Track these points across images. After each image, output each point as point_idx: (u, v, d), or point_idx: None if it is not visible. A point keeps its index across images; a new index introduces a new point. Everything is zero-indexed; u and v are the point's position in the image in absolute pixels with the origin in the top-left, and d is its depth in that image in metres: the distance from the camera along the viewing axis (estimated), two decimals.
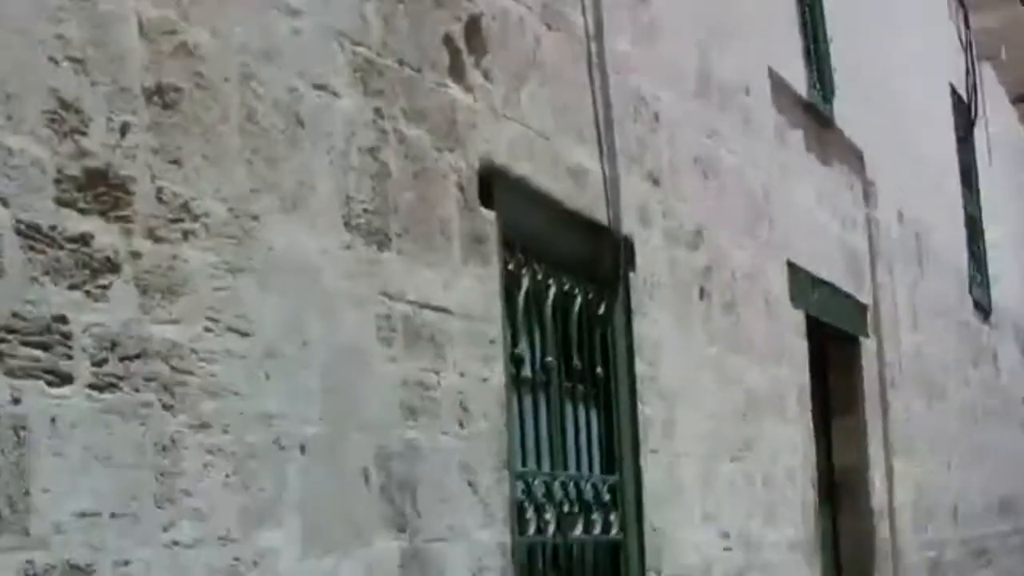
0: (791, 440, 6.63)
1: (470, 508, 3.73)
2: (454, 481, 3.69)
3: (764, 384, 6.33)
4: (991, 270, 13.10)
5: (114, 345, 2.57)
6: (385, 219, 3.54)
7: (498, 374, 3.98)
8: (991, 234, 13.22)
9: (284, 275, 3.13)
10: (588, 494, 4.56)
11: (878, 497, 8.20)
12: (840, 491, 8.09)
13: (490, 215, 4.04)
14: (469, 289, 3.88)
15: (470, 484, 3.75)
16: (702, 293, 5.70)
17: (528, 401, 4.34)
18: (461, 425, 3.75)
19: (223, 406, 2.87)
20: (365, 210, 3.45)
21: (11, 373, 2.33)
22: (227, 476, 2.86)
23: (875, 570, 8.08)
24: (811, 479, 6.91)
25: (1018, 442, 14.10)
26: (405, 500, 3.46)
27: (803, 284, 7.11)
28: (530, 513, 4.16)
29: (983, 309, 12.49)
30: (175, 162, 2.80)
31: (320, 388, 3.19)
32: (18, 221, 2.38)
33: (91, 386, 2.51)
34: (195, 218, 2.84)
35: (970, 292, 11.94)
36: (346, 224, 3.38)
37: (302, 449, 3.10)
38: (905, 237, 9.57)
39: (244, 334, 2.97)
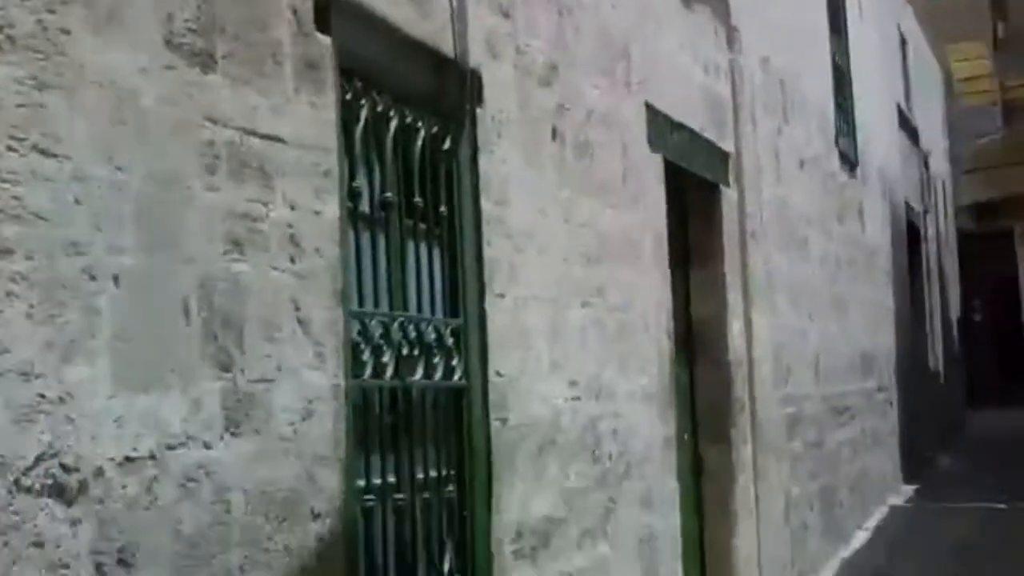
0: (646, 288, 6.68)
1: (300, 348, 3.69)
2: (284, 319, 3.64)
3: (619, 229, 6.34)
4: (859, 122, 13.27)
5: None
6: (211, 39, 3.43)
7: (333, 208, 3.91)
8: (859, 86, 13.37)
9: (97, 94, 3.02)
10: (429, 337, 4.54)
11: (736, 350, 8.33)
12: (697, 343, 8.20)
13: (325, 40, 3.94)
14: (302, 118, 3.80)
15: (301, 322, 3.70)
16: (555, 133, 5.66)
17: (366, 238, 4.28)
18: (292, 260, 3.69)
19: (27, 231, 2.78)
20: (189, 29, 3.34)
21: None
22: (31, 306, 2.77)
23: (731, 424, 8.24)
24: (666, 329, 6.98)
25: (882, 297, 14.44)
26: (229, 337, 3.40)
27: (662, 128, 7.12)
28: (366, 355, 4.13)
29: (849, 161, 12.67)
30: None
31: (136, 216, 3.10)
32: None
33: None
34: None
35: (836, 144, 12.09)
36: (167, 43, 3.26)
37: (115, 280, 3.02)
38: (770, 85, 9.63)
39: (51, 155, 2.87)
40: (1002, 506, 13.52)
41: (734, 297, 8.38)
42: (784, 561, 8.96)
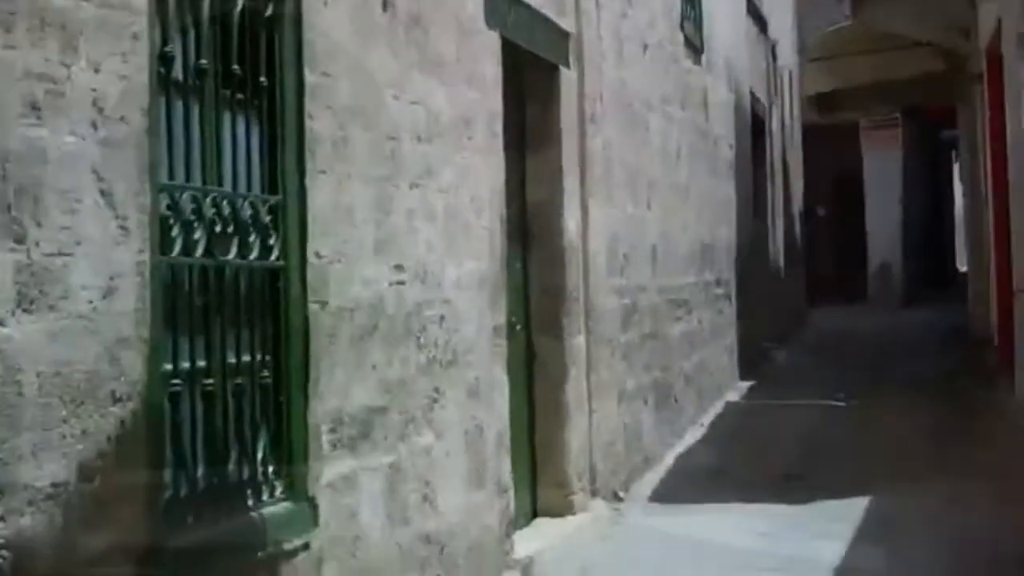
0: (479, 171, 6.64)
1: (102, 221, 3.58)
2: (84, 190, 3.53)
3: (451, 108, 6.28)
4: (705, 8, 13.30)
5: None
6: None
7: (141, 73, 3.79)
8: None
9: None
10: (245, 214, 4.44)
11: (571, 238, 8.35)
12: (532, 229, 8.20)
13: None
14: None
15: (103, 194, 3.59)
16: (385, 4, 5.55)
17: (178, 108, 4.16)
18: (95, 127, 3.58)
19: None
20: None
21: None
22: None
23: (564, 314, 8.28)
24: (499, 214, 6.96)
25: (724, 188, 14.59)
26: (24, 208, 3.29)
27: (499, 4, 7.04)
28: (176, 231, 4.02)
29: (694, 47, 12.71)
30: None
31: None
32: None
33: None
34: None
35: (681, 29, 12.10)
36: None
37: None
38: None
39: None
40: (839, 403, 13.87)
41: (571, 183, 8.38)
42: (617, 456, 9.07)
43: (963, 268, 31.26)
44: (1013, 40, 10.77)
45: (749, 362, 15.74)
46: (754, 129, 17.55)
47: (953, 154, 33.18)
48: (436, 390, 6.02)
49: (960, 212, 30.92)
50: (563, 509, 8.22)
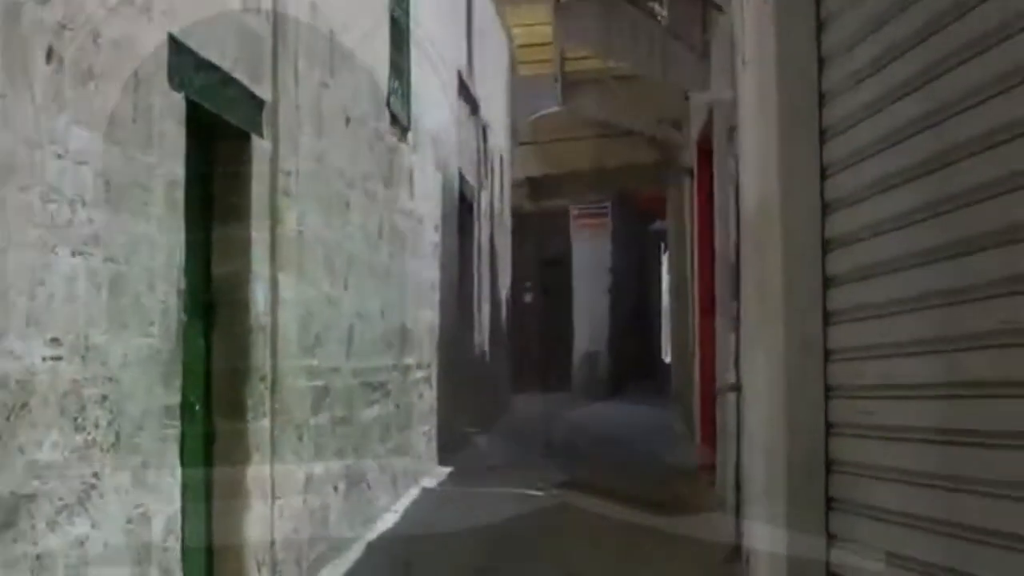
0: (154, 240, 6.27)
1: None
2: None
3: (125, 171, 5.92)
4: (415, 85, 13.19)
5: None
6: None
7: None
8: (418, 47, 13.29)
9: None
10: None
11: (259, 315, 8.03)
12: (216, 305, 7.85)
13: None
14: None
15: None
16: (51, 54, 5.19)
17: None
18: None
19: None
20: None
21: None
22: None
23: (248, 395, 7.93)
24: (176, 287, 6.60)
25: (428, 271, 14.45)
26: None
27: (186, 63, 6.72)
28: None
29: (400, 125, 12.56)
30: None
31: None
32: None
33: None
34: None
35: (388, 104, 11.94)
36: None
37: None
38: (317, 33, 9.35)
39: None
40: (538, 492, 13.77)
41: (260, 257, 8.07)
42: (300, 545, 8.73)
43: (669, 359, 31.90)
44: (723, 133, 10.92)
45: (449, 447, 15.57)
46: (462, 211, 17.51)
47: (662, 245, 33.95)
48: (95, 475, 5.61)
49: (667, 302, 31.58)
50: None
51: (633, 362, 30.49)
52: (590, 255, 27.00)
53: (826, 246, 4.75)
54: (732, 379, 9.20)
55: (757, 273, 6.06)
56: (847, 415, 4.53)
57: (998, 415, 3.49)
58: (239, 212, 7.89)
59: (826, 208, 4.78)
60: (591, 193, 25.05)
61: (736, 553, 9.18)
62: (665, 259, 34.15)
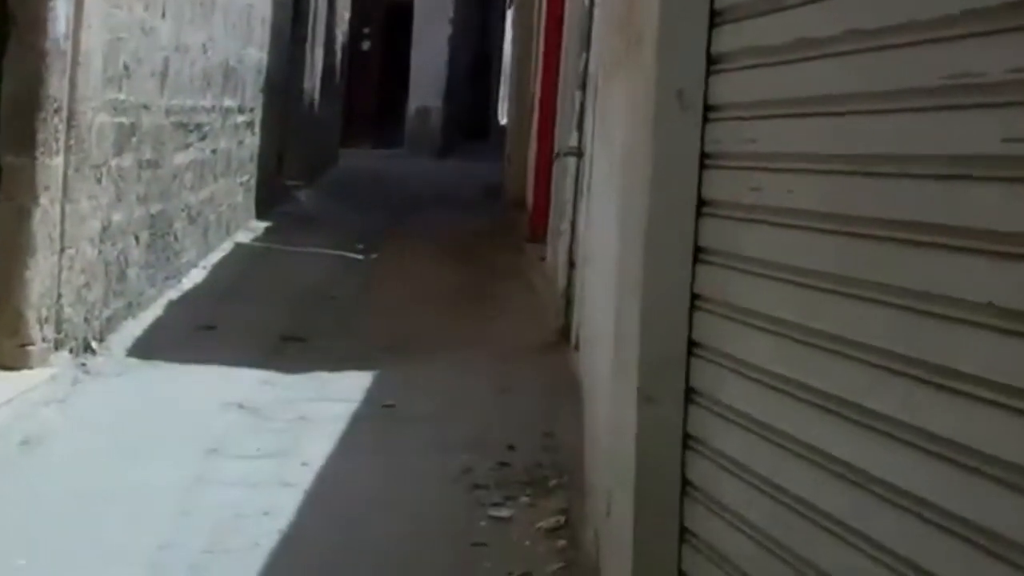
0: None
1: None
2: None
3: None
4: None
5: None
6: None
7: None
8: None
9: None
10: None
11: (58, 36, 7.11)
12: (10, 22, 6.94)
13: None
14: None
15: None
16: None
17: None
18: None
19: None
20: None
21: None
22: None
23: (39, 129, 7.06)
24: None
25: (259, 6, 13.47)
26: None
27: None
28: None
29: None
30: None
31: None
32: None
33: None
34: None
35: None
36: None
37: None
38: None
39: None
40: (358, 256, 13.11)
41: None
42: (93, 301, 7.95)
43: (505, 120, 31.17)
44: None
45: (269, 201, 14.78)
46: None
47: (507, 1, 32.89)
48: None
49: (508, 62, 30.69)
50: (18, 362, 7.10)
51: (469, 121, 29.67)
52: (434, 4, 25.93)
53: None
54: (574, 143, 8.49)
55: (622, 10, 5.10)
56: (730, 192, 3.62)
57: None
58: None
59: None
60: None
61: (562, 334, 8.62)
62: (511, 13, 33.16)
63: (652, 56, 3.90)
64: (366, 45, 26.38)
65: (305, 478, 6.02)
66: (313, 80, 18.38)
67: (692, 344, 3.75)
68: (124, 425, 6.75)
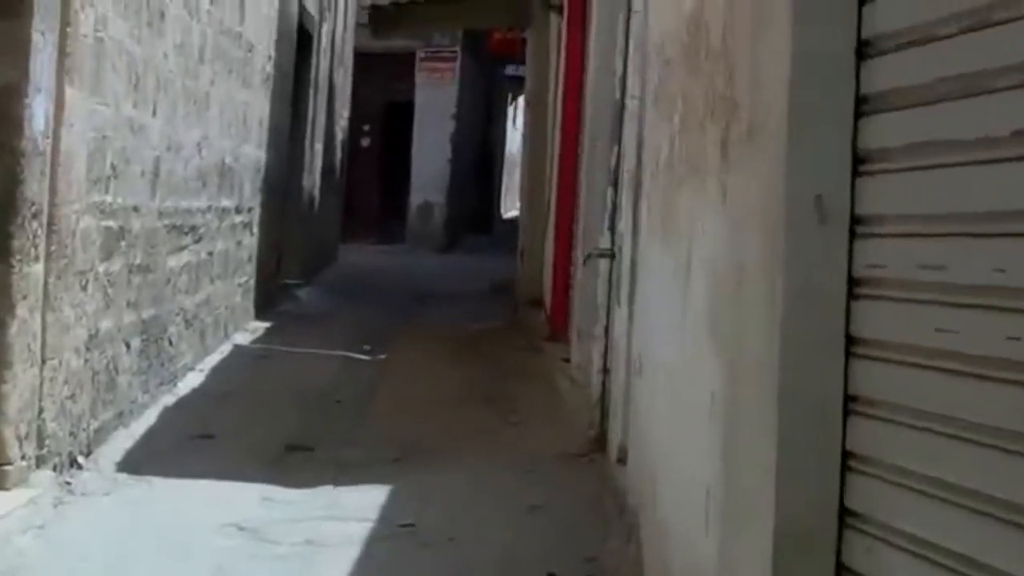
0: None
1: None
2: None
3: None
4: None
5: None
6: None
7: None
8: None
9: None
10: None
11: (36, 136, 6.57)
12: None
13: None
14: None
15: None
16: None
17: None
18: None
19: None
20: None
21: None
22: None
23: (16, 235, 6.49)
24: None
25: (257, 105, 12.99)
26: None
27: None
28: None
29: None
30: None
31: None
32: None
33: None
34: None
35: None
36: None
37: None
38: None
39: None
40: (364, 356, 12.51)
41: (43, 65, 6.58)
42: (79, 414, 7.35)
43: (508, 215, 30.72)
44: None
45: (268, 300, 14.22)
46: (300, 42, 15.96)
47: (509, 96, 32.58)
48: None
49: (513, 155, 30.30)
50: None
51: (472, 216, 29.19)
52: (435, 101, 25.52)
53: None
54: (607, 243, 7.91)
55: (705, 94, 4.43)
56: (895, 331, 2.86)
57: None
58: (13, 9, 6.39)
59: None
60: (443, 24, 22.97)
61: (597, 444, 7.97)
62: (511, 109, 32.80)
63: (777, 152, 3.18)
64: (366, 141, 25.94)
65: None
66: (312, 177, 17.88)
67: (844, 512, 3.04)
68: (109, 555, 6.10)
